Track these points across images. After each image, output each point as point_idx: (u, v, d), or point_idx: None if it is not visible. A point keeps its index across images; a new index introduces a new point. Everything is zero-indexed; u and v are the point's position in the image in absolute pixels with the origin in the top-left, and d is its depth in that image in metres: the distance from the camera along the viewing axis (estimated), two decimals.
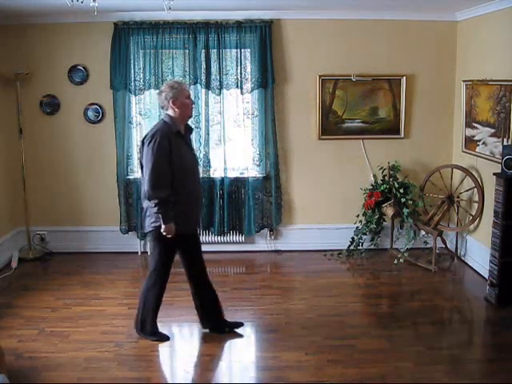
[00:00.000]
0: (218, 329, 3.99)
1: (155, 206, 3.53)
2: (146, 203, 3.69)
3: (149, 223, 3.73)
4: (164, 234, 3.58)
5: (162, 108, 3.75)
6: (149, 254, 3.77)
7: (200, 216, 4.04)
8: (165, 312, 4.27)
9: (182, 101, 3.62)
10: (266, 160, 5.65)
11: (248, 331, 4.07)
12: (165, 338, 3.89)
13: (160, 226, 3.60)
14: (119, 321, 4.17)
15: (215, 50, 5.43)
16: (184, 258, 3.87)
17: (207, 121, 5.53)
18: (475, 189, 5.17)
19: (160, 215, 3.55)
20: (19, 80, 5.36)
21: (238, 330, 4.01)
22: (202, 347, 3.84)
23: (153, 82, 5.45)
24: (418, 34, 5.57)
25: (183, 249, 3.82)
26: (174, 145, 3.57)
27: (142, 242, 5.79)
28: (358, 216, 5.65)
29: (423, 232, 5.55)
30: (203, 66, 5.44)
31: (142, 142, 3.65)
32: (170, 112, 3.67)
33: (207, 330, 4.00)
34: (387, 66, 5.61)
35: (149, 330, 3.86)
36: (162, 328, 4.07)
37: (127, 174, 5.64)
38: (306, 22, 5.51)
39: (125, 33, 5.38)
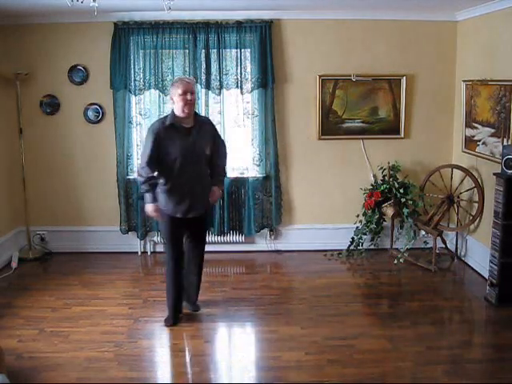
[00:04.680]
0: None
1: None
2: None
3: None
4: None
5: None
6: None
7: (190, 203, 4.00)
8: (164, 312, 4.28)
9: (176, 97, 3.89)
10: (266, 160, 5.64)
11: (248, 331, 4.08)
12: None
13: None
14: (119, 321, 4.17)
15: (215, 50, 5.43)
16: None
17: None
18: (475, 189, 5.17)
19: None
20: (19, 80, 5.36)
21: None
22: (202, 347, 3.84)
23: (153, 82, 5.45)
24: (417, 33, 5.57)
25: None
26: (163, 137, 3.89)
27: (142, 241, 5.80)
28: (358, 216, 5.64)
29: (423, 232, 5.55)
30: (203, 65, 5.44)
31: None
32: (172, 106, 4.01)
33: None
34: (387, 66, 5.60)
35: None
36: (162, 328, 4.08)
37: (127, 174, 5.63)
38: (306, 22, 5.51)
39: (125, 33, 5.37)
